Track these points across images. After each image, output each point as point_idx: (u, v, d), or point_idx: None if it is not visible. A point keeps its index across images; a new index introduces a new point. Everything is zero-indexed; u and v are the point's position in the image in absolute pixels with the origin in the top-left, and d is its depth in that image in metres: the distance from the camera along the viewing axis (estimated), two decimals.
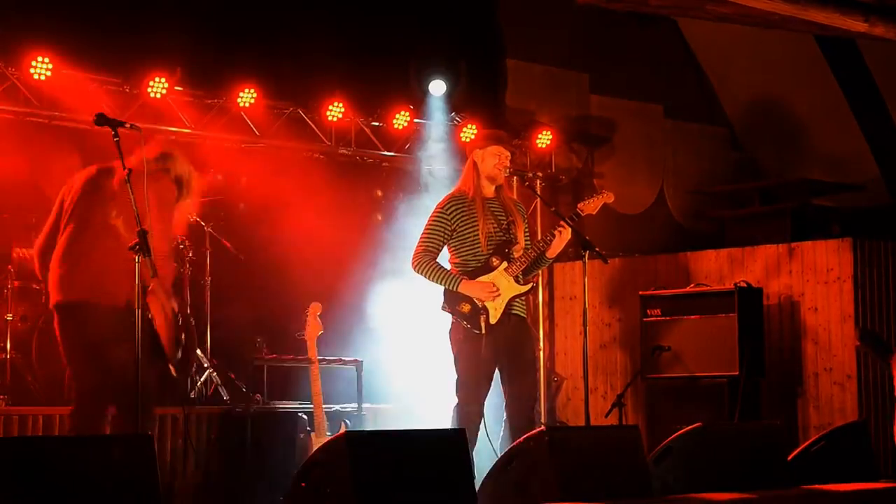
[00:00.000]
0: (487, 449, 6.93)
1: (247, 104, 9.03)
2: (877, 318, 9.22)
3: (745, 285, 9.19)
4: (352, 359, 8.91)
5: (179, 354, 6.09)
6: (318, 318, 7.72)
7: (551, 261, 7.37)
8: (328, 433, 7.55)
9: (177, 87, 8.71)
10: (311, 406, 7.65)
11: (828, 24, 8.28)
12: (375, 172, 10.15)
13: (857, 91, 11.06)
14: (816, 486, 6.68)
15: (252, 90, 8.99)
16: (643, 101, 11.59)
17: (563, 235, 7.10)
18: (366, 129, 9.81)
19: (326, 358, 8.37)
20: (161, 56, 8.58)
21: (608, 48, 11.35)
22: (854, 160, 11.21)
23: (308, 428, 7.75)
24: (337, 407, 8.30)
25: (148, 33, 8.55)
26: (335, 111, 9.42)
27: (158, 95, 8.52)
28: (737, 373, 8.88)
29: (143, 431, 5.73)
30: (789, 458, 7.06)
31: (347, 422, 8.14)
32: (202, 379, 8.62)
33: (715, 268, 9.87)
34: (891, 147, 11.07)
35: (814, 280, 9.35)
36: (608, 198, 7.29)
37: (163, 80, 8.52)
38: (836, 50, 10.87)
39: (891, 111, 11.01)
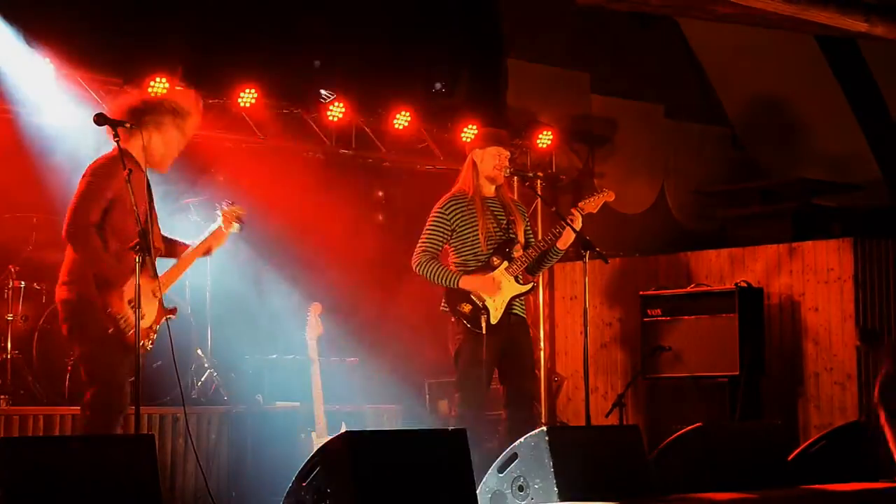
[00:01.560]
0: (487, 448, 6.93)
1: (248, 104, 9.03)
2: (877, 318, 9.22)
3: (745, 285, 9.19)
4: (352, 358, 8.91)
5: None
6: (319, 318, 7.73)
7: (561, 253, 7.33)
8: (329, 433, 7.56)
9: (177, 88, 8.70)
10: (312, 406, 7.65)
11: (828, 24, 8.29)
12: (376, 173, 10.16)
13: (857, 91, 11.06)
14: (817, 485, 6.69)
15: (253, 90, 8.99)
16: (644, 100, 11.59)
17: (568, 231, 7.09)
18: (366, 129, 9.81)
19: (327, 358, 8.37)
20: (162, 56, 8.57)
21: (609, 48, 11.36)
22: (855, 160, 11.21)
23: (308, 428, 7.75)
24: (337, 407, 8.30)
25: (149, 33, 8.55)
26: (336, 111, 9.42)
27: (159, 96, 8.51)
28: (737, 373, 8.88)
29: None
30: (790, 457, 7.07)
31: (347, 422, 8.14)
32: (202, 379, 8.62)
33: (715, 268, 9.87)
34: (891, 147, 11.07)
35: (814, 280, 9.35)
36: (609, 196, 7.29)
37: (163, 80, 8.51)
38: (836, 50, 10.87)
39: (891, 111, 11.01)
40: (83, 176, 5.98)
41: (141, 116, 6.06)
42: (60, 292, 5.99)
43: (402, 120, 9.72)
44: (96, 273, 5.85)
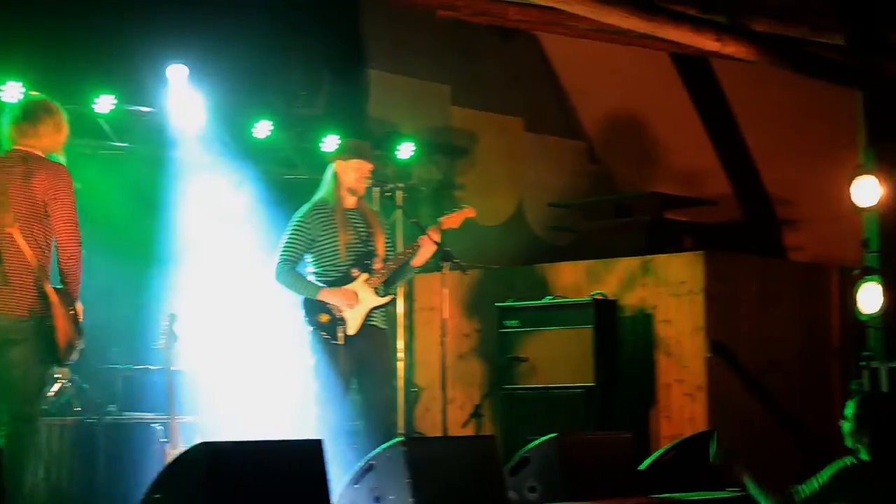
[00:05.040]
0: (345, 459, 6.93)
1: (105, 110, 8.88)
2: (727, 330, 9.44)
3: (600, 297, 9.33)
4: (211, 369, 8.81)
5: (74, 357, 6.09)
6: (176, 328, 7.64)
7: (416, 271, 7.42)
8: (185, 444, 7.47)
9: (32, 93, 8.52)
10: (167, 417, 7.55)
11: (682, 42, 8.50)
12: (237, 181, 10.05)
13: (709, 108, 11.31)
14: (667, 494, 6.83)
15: (110, 95, 8.84)
16: (503, 113, 11.70)
17: (429, 245, 7.16)
18: (226, 137, 9.71)
19: (184, 368, 8.27)
20: (14, 62, 8.40)
21: (469, 61, 11.44)
22: (707, 176, 11.45)
23: (163, 439, 7.65)
24: (194, 418, 8.20)
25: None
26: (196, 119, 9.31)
27: (14, 101, 8.32)
28: (592, 384, 9.00)
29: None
30: (642, 467, 7.22)
31: (203, 432, 8.05)
32: (54, 389, 8.44)
33: (572, 280, 10.00)
34: (742, 164, 11.34)
35: (667, 293, 9.52)
36: (469, 212, 7.41)
37: (18, 84, 8.33)
38: (689, 67, 11.11)
39: (742, 129, 11.27)
40: None
41: None
42: None
43: (262, 129, 9.66)
44: None
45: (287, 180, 10.01)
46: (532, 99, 12.05)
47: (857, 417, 5.62)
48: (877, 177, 8.44)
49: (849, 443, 5.68)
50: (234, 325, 9.02)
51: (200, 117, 9.28)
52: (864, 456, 5.57)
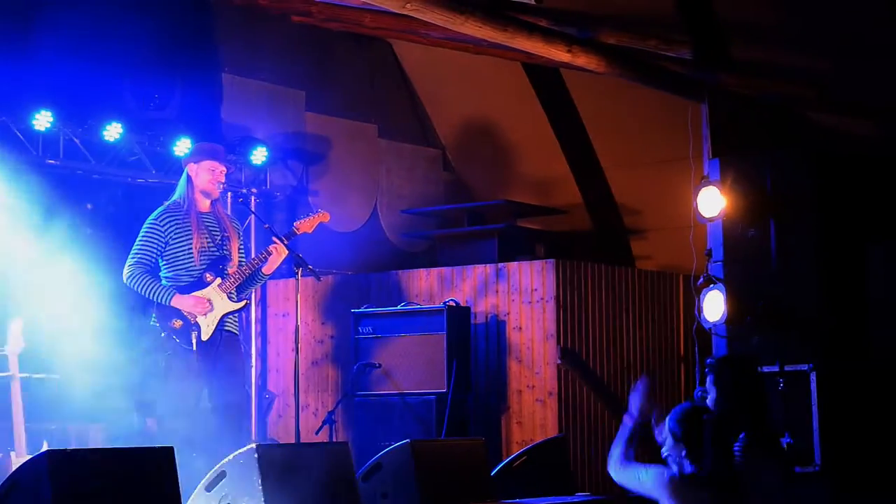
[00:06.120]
0: (195, 466, 6.86)
1: None
2: (576, 337, 9.60)
3: (453, 304, 9.41)
4: (56, 375, 8.64)
5: None
6: (21, 334, 7.48)
7: (267, 277, 7.41)
8: (29, 452, 7.31)
9: None
10: (12, 424, 7.38)
11: (534, 53, 8.64)
12: (85, 184, 9.89)
13: (560, 118, 11.48)
14: (518, 499, 6.93)
15: None
16: (358, 120, 11.72)
17: (280, 252, 7.15)
18: (75, 139, 9.55)
19: (28, 375, 8.10)
20: None
21: (324, 67, 11.44)
22: (558, 185, 11.63)
23: (8, 447, 7.47)
24: (39, 425, 8.04)
25: None
26: (43, 120, 9.12)
27: None
28: (445, 390, 9.08)
29: None
30: (493, 472, 7.30)
31: (50, 441, 7.90)
32: None
33: (426, 287, 10.07)
34: (592, 173, 11.53)
35: (519, 300, 9.65)
36: (323, 217, 7.42)
37: None
38: (541, 77, 11.27)
39: (592, 140, 11.47)
40: None
41: None
42: None
43: (113, 132, 9.50)
44: None
45: (138, 184, 9.88)
46: (386, 106, 12.09)
47: (676, 430, 5.58)
48: (720, 188, 8.66)
49: (666, 453, 5.55)
50: (89, 328, 8.86)
51: (48, 119, 9.10)
52: (685, 469, 5.43)
